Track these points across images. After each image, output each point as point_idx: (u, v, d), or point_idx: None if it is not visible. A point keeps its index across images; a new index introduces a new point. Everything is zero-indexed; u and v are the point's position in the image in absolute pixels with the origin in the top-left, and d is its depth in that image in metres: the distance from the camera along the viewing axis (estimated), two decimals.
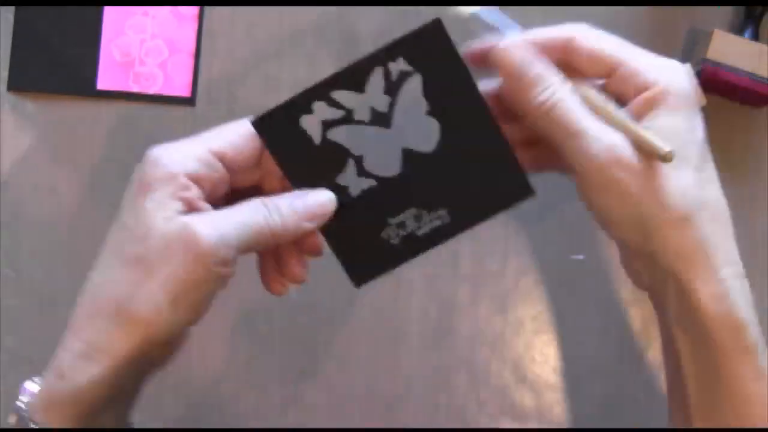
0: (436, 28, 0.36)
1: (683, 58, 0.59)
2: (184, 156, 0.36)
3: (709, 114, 0.60)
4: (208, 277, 0.34)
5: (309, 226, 0.36)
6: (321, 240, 0.40)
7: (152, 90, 0.59)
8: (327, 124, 0.36)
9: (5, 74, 0.58)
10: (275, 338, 0.59)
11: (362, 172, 0.36)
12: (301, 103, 0.35)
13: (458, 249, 0.59)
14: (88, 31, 0.58)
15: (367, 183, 0.36)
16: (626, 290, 0.60)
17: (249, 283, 0.59)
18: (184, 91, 0.59)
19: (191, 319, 0.35)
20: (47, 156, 0.59)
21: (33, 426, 0.34)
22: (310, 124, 0.35)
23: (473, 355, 0.59)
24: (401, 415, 0.59)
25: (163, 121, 0.59)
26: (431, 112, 0.36)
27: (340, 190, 0.36)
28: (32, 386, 0.36)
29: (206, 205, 0.36)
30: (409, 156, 0.36)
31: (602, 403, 0.60)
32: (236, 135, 0.37)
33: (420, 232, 0.37)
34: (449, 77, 0.36)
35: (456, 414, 0.59)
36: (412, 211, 0.37)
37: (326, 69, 0.60)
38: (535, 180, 0.60)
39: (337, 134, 0.36)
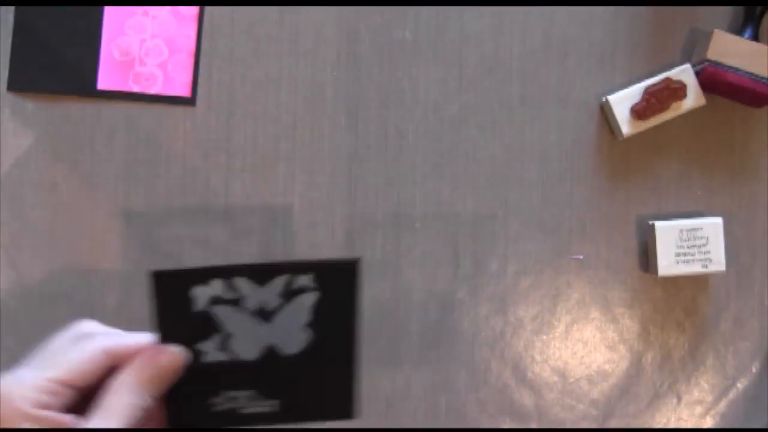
0: (354, 267, 0.40)
1: (683, 59, 0.59)
2: (27, 389, 0.36)
3: (709, 114, 0.61)
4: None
5: (161, 385, 0.39)
6: None
7: (152, 90, 0.59)
8: (215, 300, 0.38)
9: (5, 74, 0.58)
10: None
11: (224, 347, 0.39)
12: (204, 275, 0.38)
13: (458, 249, 0.59)
14: (88, 31, 0.58)
15: (222, 357, 0.39)
16: (626, 290, 0.60)
17: None
18: (184, 91, 0.59)
19: None
20: (47, 156, 0.59)
21: None
22: (200, 294, 0.38)
23: (473, 355, 0.59)
24: (401, 415, 0.59)
25: (163, 121, 0.59)
26: (310, 325, 0.40)
27: (195, 353, 0.39)
28: None
29: (60, 416, 0.37)
30: (271, 350, 0.40)
31: (602, 403, 0.60)
32: (80, 361, 0.38)
33: (244, 411, 0.41)
34: (341, 307, 0.41)
35: (456, 414, 0.59)
36: (251, 393, 0.40)
37: (326, 69, 0.60)
38: (538, 186, 0.60)
39: (220, 311, 0.39)
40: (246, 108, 0.59)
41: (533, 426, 0.59)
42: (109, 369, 0.38)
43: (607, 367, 0.60)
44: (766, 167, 0.60)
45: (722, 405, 0.60)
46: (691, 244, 0.57)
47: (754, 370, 0.60)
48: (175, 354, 0.39)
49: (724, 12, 0.60)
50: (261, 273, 0.39)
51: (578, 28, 0.60)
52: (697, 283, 0.60)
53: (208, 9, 0.59)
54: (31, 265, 0.58)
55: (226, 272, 0.38)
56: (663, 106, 0.57)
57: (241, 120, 0.59)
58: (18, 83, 0.58)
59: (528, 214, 0.59)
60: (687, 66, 0.57)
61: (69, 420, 0.37)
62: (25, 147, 0.59)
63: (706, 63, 0.56)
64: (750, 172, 0.60)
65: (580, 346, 0.60)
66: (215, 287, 0.38)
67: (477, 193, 0.59)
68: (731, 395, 0.60)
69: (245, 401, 0.41)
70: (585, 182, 0.59)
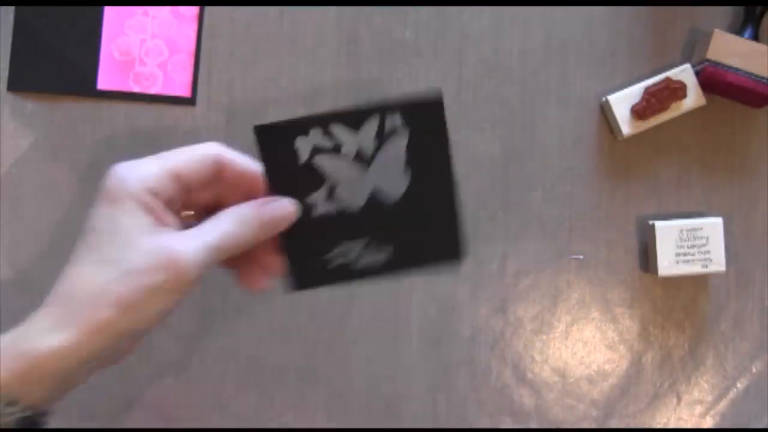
0: (436, 100, 0.40)
1: (683, 59, 0.59)
2: (144, 173, 0.39)
3: (709, 114, 0.61)
4: (180, 290, 0.37)
5: (272, 232, 0.40)
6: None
7: (152, 90, 0.59)
8: (316, 150, 0.40)
9: (5, 74, 0.58)
10: (275, 338, 0.59)
11: (331, 197, 0.41)
12: (303, 125, 0.40)
13: None
14: (88, 31, 0.58)
15: (331, 207, 0.41)
16: (626, 290, 0.60)
17: None
18: (184, 91, 0.59)
19: (153, 324, 0.38)
20: (47, 156, 0.59)
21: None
22: (302, 145, 0.40)
23: (473, 355, 0.59)
24: (401, 415, 0.59)
25: (163, 121, 0.59)
26: (408, 166, 0.41)
27: (307, 207, 0.41)
28: None
29: (170, 217, 0.39)
30: (375, 196, 0.41)
31: (602, 403, 0.60)
32: (191, 157, 0.40)
33: (358, 264, 0.42)
34: (432, 144, 0.41)
35: (456, 414, 0.59)
36: (364, 240, 0.42)
37: (326, 69, 0.60)
38: (538, 186, 0.60)
39: (322, 160, 0.41)
40: (246, 108, 0.59)
41: (533, 426, 0.59)
42: (215, 178, 0.40)
43: (607, 367, 0.60)
44: (766, 167, 0.60)
45: (722, 405, 0.60)
46: (691, 244, 0.57)
47: (754, 370, 0.60)
48: (285, 204, 0.40)
49: (724, 12, 0.60)
50: (353, 117, 0.40)
51: (578, 28, 0.60)
52: (697, 283, 0.60)
53: (208, 9, 0.59)
54: (31, 265, 0.58)
55: (322, 120, 0.40)
56: (663, 106, 0.57)
57: (241, 120, 0.59)
58: (18, 83, 0.58)
59: (528, 214, 0.59)
60: (687, 66, 0.57)
61: (169, 216, 0.39)
62: (25, 147, 0.59)
63: (706, 63, 0.56)
64: (750, 172, 0.60)
65: (580, 346, 0.60)
66: (315, 136, 0.40)
67: (477, 193, 0.59)
68: (731, 395, 0.60)
69: (359, 252, 0.42)
70: (585, 182, 0.60)
